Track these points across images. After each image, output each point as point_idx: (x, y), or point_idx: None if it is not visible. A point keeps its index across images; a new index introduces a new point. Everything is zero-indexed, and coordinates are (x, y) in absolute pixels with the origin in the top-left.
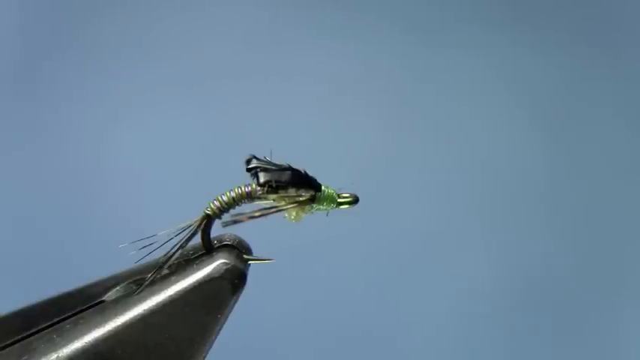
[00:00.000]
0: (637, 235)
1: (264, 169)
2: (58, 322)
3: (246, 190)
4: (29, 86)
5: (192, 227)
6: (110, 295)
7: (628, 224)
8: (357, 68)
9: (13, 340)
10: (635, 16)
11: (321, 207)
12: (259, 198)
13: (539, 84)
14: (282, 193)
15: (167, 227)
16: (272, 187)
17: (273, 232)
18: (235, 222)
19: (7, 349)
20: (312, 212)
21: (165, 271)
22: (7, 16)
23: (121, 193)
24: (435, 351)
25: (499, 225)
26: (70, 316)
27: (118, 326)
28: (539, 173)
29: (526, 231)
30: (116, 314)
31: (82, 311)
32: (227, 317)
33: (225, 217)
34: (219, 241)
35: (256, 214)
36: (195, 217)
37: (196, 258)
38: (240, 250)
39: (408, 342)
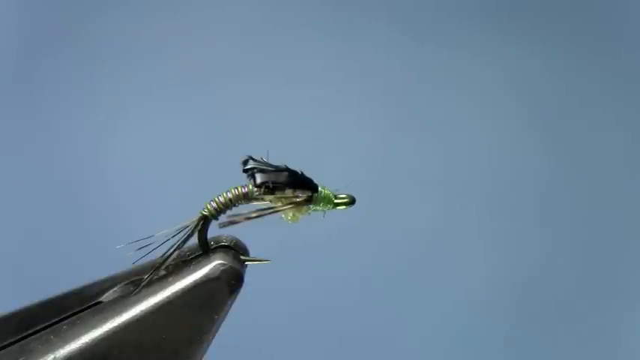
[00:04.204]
0: (637, 236)
1: (261, 170)
2: (55, 322)
3: (243, 191)
4: (27, 86)
5: (189, 228)
6: (108, 296)
7: (628, 224)
8: (354, 68)
9: (10, 340)
10: (635, 17)
11: (318, 208)
12: (256, 199)
13: (539, 84)
14: (279, 194)
15: (164, 228)
16: (269, 188)
17: (270, 233)
18: (232, 223)
19: (5, 350)
20: (309, 213)
21: (162, 272)
22: (7, 17)
23: (119, 193)
24: (435, 351)
25: (499, 225)
26: (67, 317)
27: (115, 327)
28: (539, 173)
29: (526, 231)
30: (113, 315)
31: (79, 312)
32: (224, 318)
33: (222, 218)
34: (216, 241)
35: (253, 215)
36: (192, 218)
37: (193, 259)
38: (237, 250)
39: (408, 342)
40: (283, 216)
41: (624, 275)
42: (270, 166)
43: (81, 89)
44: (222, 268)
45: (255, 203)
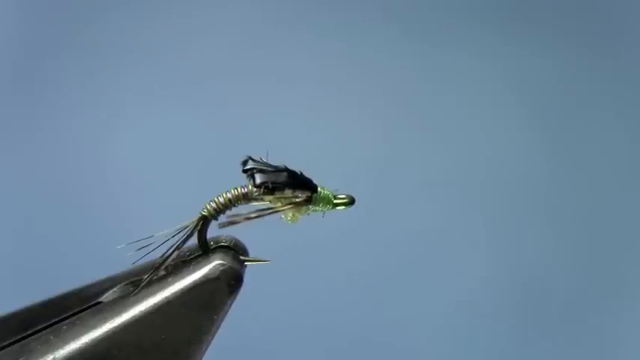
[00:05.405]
0: (637, 236)
1: (261, 171)
2: (55, 323)
3: (243, 191)
4: (27, 86)
5: (188, 228)
6: (107, 296)
7: (628, 225)
8: (353, 68)
9: (11, 340)
10: (635, 17)
11: (318, 208)
12: (255, 199)
13: (539, 84)
14: (278, 195)
15: (164, 228)
16: (268, 189)
17: (270, 234)
18: (231, 223)
19: (5, 350)
20: (309, 213)
21: (161, 272)
22: (7, 17)
23: (119, 194)
24: (436, 352)
25: (499, 226)
26: (67, 317)
27: (115, 327)
28: (539, 173)
29: (526, 231)
30: (113, 315)
31: (79, 312)
32: (224, 318)
33: (222, 218)
34: (216, 242)
35: (252, 215)
36: (191, 218)
37: (193, 259)
38: (236, 251)
39: (409, 343)
40: (283, 216)
41: (624, 275)
42: (270, 166)
43: (81, 89)
44: (221, 268)
45: (255, 204)
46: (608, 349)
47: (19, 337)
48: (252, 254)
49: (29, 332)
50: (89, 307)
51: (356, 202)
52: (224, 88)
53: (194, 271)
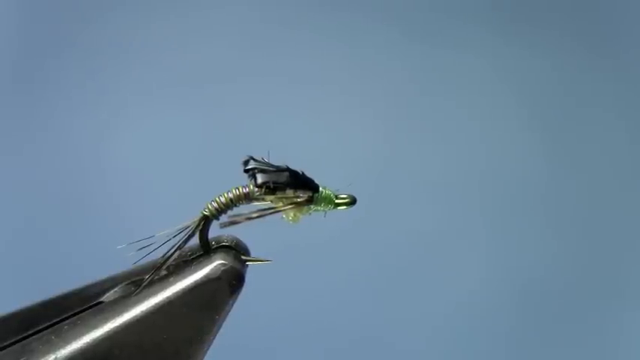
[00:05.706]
0: (637, 236)
1: (262, 170)
2: (56, 322)
3: (244, 191)
4: (27, 86)
5: (190, 228)
6: (108, 296)
7: (628, 225)
8: (354, 69)
9: (11, 340)
10: (635, 17)
11: (319, 208)
12: (257, 199)
13: (539, 85)
14: (279, 194)
15: (165, 228)
16: (270, 188)
17: (271, 233)
18: (233, 223)
19: (6, 350)
20: (310, 213)
21: (163, 272)
22: (7, 17)
23: (120, 194)
24: (435, 352)
25: (498, 227)
26: (68, 317)
27: (116, 327)
28: (539, 174)
29: (526, 232)
30: (114, 315)
31: (80, 312)
32: (225, 318)
33: (223, 218)
34: (217, 242)
35: (254, 215)
36: (193, 218)
37: (194, 259)
38: (237, 250)
39: (409, 344)
40: (284, 216)
41: (624, 276)
42: (271, 166)
43: (81, 89)
44: (223, 268)
45: (256, 203)
46: (608, 350)
47: (20, 337)
48: (253, 254)
49: (30, 332)
50: (90, 307)
51: (357, 202)
52: (225, 88)
53: (195, 270)
